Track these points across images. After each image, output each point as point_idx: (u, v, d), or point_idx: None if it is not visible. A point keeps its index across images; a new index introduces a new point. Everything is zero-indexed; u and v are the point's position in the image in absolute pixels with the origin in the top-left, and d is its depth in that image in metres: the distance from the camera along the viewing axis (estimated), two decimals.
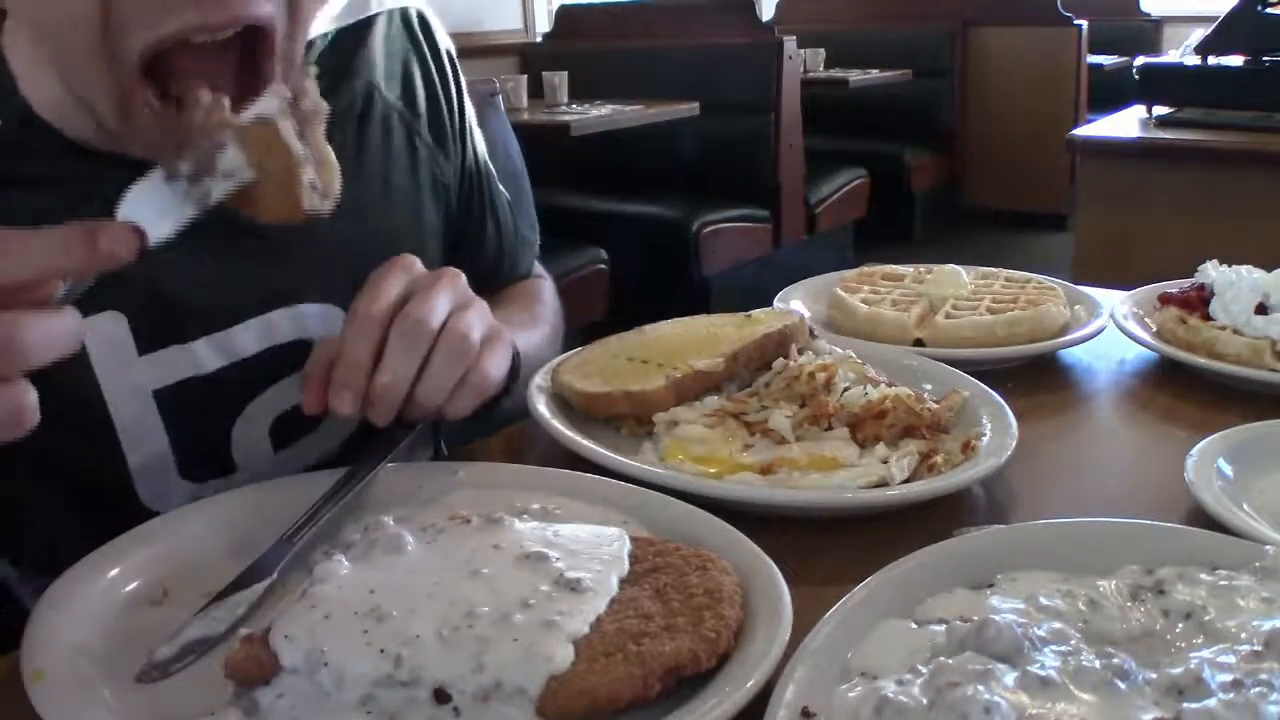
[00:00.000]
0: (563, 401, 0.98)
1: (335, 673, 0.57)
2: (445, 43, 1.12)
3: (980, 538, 0.74)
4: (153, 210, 0.63)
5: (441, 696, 0.57)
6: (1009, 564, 0.69)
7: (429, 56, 1.09)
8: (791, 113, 4.52)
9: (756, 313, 1.10)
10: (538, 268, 1.32)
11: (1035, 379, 1.15)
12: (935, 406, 0.93)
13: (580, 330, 3.11)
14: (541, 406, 0.96)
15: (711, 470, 0.86)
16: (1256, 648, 0.57)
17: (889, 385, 0.96)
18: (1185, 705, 0.52)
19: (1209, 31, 2.86)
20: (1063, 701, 0.53)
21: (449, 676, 0.57)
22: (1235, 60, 2.84)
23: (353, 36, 1.02)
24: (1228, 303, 1.14)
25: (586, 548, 0.68)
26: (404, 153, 1.05)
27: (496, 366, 0.86)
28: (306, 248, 0.94)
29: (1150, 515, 0.78)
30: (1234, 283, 1.16)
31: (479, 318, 0.85)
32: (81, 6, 0.71)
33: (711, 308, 1.47)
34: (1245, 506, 0.79)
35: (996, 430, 0.92)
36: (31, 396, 0.56)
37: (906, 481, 0.85)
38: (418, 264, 0.85)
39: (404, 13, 1.08)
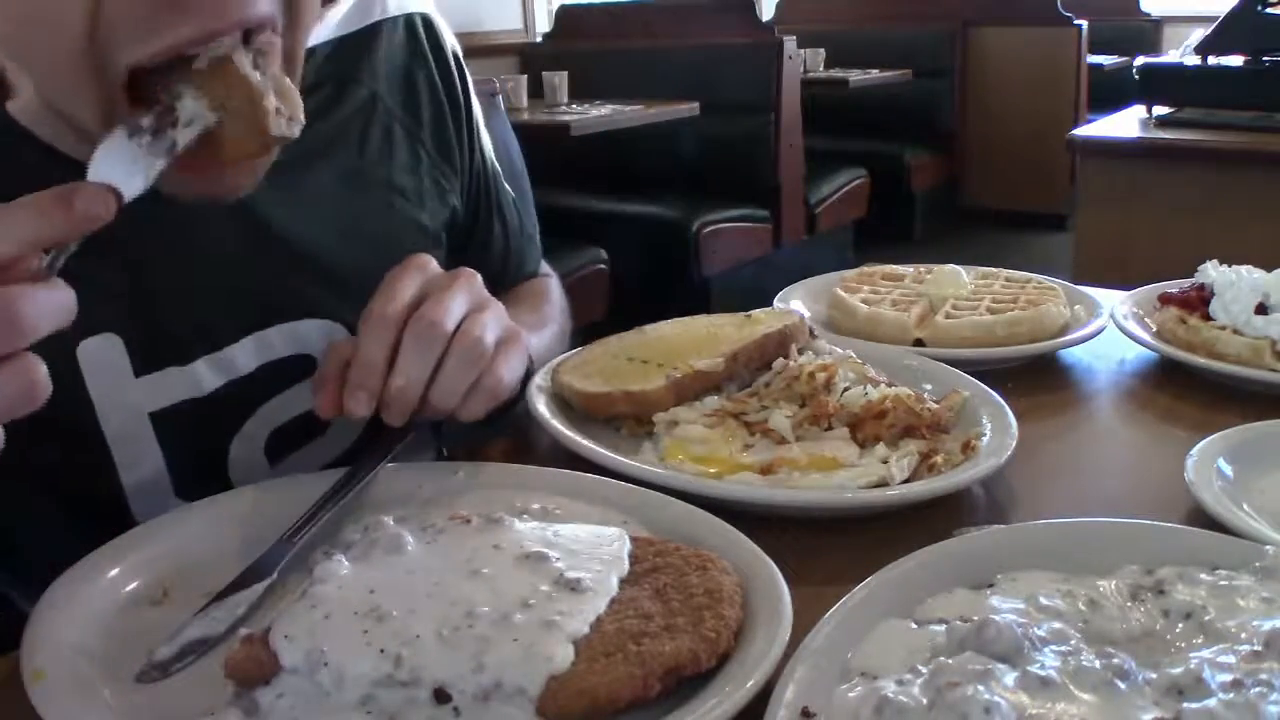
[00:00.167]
0: (563, 401, 0.98)
1: (335, 673, 0.57)
2: (451, 44, 1.11)
3: (980, 538, 0.74)
4: (122, 168, 0.63)
5: (441, 696, 0.57)
6: (1009, 564, 0.69)
7: (434, 62, 1.08)
8: (791, 113, 4.52)
9: (756, 313, 1.10)
10: (544, 266, 1.31)
11: (1035, 379, 1.15)
12: (935, 406, 0.93)
13: (580, 330, 3.10)
14: (541, 406, 0.96)
15: (711, 470, 0.86)
16: (1256, 648, 0.57)
17: (889, 385, 0.96)
18: (1185, 705, 0.52)
19: (1209, 31, 2.86)
20: (1063, 701, 0.53)
21: (449, 676, 0.57)
22: (1235, 60, 2.84)
23: (355, 44, 1.01)
24: (1228, 303, 1.14)
25: (586, 548, 0.68)
26: (406, 162, 1.04)
27: (511, 370, 0.86)
28: (305, 263, 0.93)
29: (1150, 515, 0.78)
30: (1234, 283, 1.16)
31: (494, 319, 0.85)
32: (66, 15, 0.67)
33: (711, 308, 1.47)
34: (1245, 506, 0.79)
35: (996, 430, 0.92)
36: (42, 369, 0.55)
37: (906, 481, 0.85)
38: (433, 264, 0.85)
39: (408, 19, 1.07)
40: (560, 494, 0.81)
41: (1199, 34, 2.91)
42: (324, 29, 0.98)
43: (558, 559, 0.66)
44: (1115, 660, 0.55)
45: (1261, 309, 1.12)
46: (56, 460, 0.81)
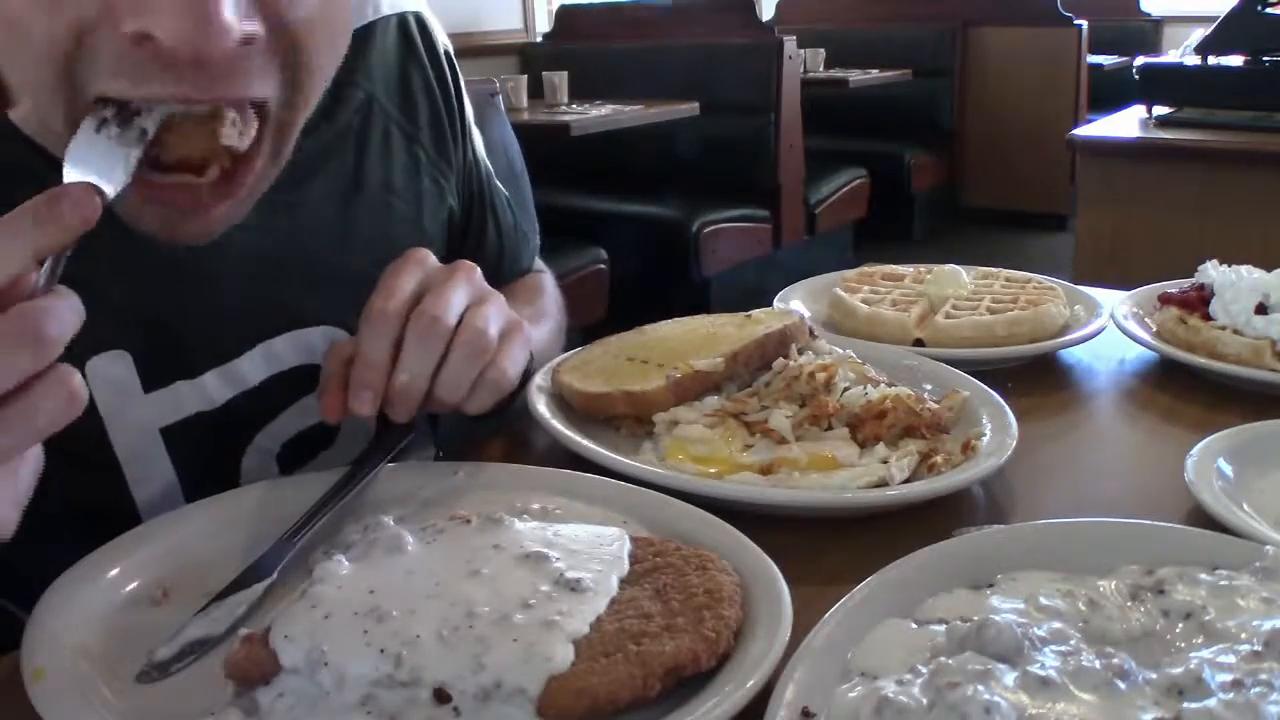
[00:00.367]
0: (563, 401, 0.98)
1: (335, 673, 0.57)
2: (443, 43, 1.11)
3: (980, 538, 0.74)
4: (98, 164, 0.61)
5: (441, 696, 0.57)
6: (1009, 564, 0.69)
7: (427, 62, 1.07)
8: (791, 113, 4.52)
9: (756, 313, 1.10)
10: (538, 263, 1.31)
11: (1035, 379, 1.15)
12: (935, 406, 0.93)
13: (580, 330, 3.11)
14: (541, 406, 0.96)
15: (711, 470, 0.86)
16: (1256, 648, 0.57)
17: (889, 385, 0.96)
18: (1185, 705, 0.52)
19: (1209, 31, 2.86)
20: (1063, 701, 0.53)
21: (449, 676, 0.57)
22: (1235, 60, 2.84)
23: (350, 46, 1.01)
24: (1228, 303, 1.14)
25: (586, 548, 0.68)
26: (405, 165, 1.04)
27: (514, 362, 0.85)
28: (309, 270, 0.93)
29: (1150, 515, 0.78)
30: (1234, 283, 1.16)
31: (496, 311, 0.84)
32: (36, 50, 0.64)
33: (711, 308, 1.47)
34: (1245, 506, 0.79)
35: (996, 430, 0.92)
36: (77, 377, 0.55)
37: (906, 481, 0.85)
38: (431, 258, 0.85)
39: (401, 19, 1.06)
40: (560, 494, 0.81)
41: (1199, 34, 2.91)
42: None
43: (558, 559, 0.66)
44: (1115, 660, 0.55)
45: (1261, 309, 1.12)
46: (67, 482, 0.81)
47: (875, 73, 5.53)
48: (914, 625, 0.63)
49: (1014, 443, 0.89)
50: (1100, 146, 2.88)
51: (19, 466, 0.54)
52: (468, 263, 0.86)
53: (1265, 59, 2.78)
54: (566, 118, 3.90)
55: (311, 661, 0.58)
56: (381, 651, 0.58)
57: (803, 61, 5.04)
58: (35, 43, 0.64)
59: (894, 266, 1.38)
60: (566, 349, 1.10)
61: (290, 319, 0.93)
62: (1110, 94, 5.50)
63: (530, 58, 5.12)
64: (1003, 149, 6.23)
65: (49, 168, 0.72)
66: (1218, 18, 2.86)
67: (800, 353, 1.01)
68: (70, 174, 0.60)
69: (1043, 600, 0.63)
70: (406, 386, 0.79)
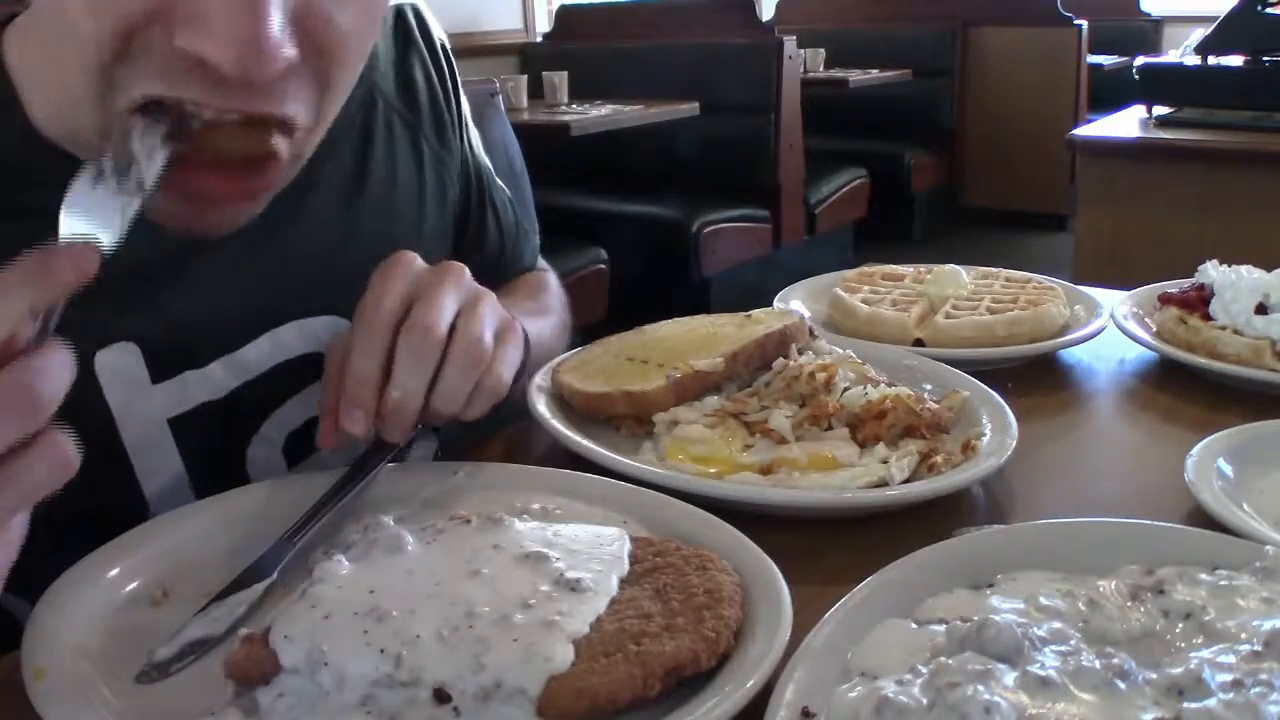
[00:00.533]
0: (563, 401, 0.98)
1: (335, 673, 0.57)
2: (440, 36, 1.11)
3: (980, 538, 0.74)
4: (95, 218, 0.60)
5: (441, 696, 0.57)
6: (1009, 564, 0.69)
7: (426, 54, 1.08)
8: (791, 113, 4.52)
9: (756, 313, 1.10)
10: (541, 261, 1.31)
11: (1035, 379, 1.15)
12: (935, 406, 0.93)
13: (580, 330, 3.11)
14: (541, 406, 0.96)
15: (711, 470, 0.86)
16: (1256, 648, 0.57)
17: (889, 385, 0.96)
18: (1185, 705, 0.52)
19: (1209, 31, 2.86)
20: (1063, 701, 0.53)
21: (449, 676, 0.57)
22: (1235, 60, 2.84)
23: None
24: (1228, 303, 1.14)
25: (586, 548, 0.68)
26: (408, 157, 1.04)
27: (510, 366, 0.85)
28: (316, 263, 0.93)
29: (1150, 515, 0.78)
30: (1234, 283, 1.16)
31: (489, 312, 0.83)
32: (81, 52, 0.66)
33: (711, 308, 1.47)
34: (1245, 506, 0.79)
35: (996, 430, 0.92)
36: (69, 442, 0.54)
37: (906, 481, 0.85)
38: (417, 260, 0.84)
39: (399, 9, 1.06)
40: (560, 494, 0.81)
41: (1199, 34, 2.91)
42: None
43: (558, 559, 0.66)
44: (1115, 660, 0.55)
45: (1261, 309, 1.12)
46: (76, 477, 0.81)
47: (875, 73, 5.53)
48: (914, 625, 0.63)
49: (1014, 443, 0.89)
50: (1100, 146, 2.88)
51: (4, 532, 0.53)
52: (456, 264, 0.85)
53: (1265, 59, 2.78)
54: (566, 118, 3.90)
55: (311, 661, 0.58)
56: (381, 651, 0.58)
57: (803, 61, 5.04)
58: (82, 43, 0.65)
59: (894, 266, 1.38)
60: (568, 348, 1.10)
61: (298, 308, 0.92)
62: (1110, 94, 5.50)
63: (530, 58, 5.12)
64: (1003, 149, 6.23)
65: (70, 172, 0.72)
66: (1218, 18, 2.86)
67: (800, 353, 1.01)
68: (67, 224, 0.59)
69: (1043, 600, 0.63)
70: (400, 404, 0.77)
